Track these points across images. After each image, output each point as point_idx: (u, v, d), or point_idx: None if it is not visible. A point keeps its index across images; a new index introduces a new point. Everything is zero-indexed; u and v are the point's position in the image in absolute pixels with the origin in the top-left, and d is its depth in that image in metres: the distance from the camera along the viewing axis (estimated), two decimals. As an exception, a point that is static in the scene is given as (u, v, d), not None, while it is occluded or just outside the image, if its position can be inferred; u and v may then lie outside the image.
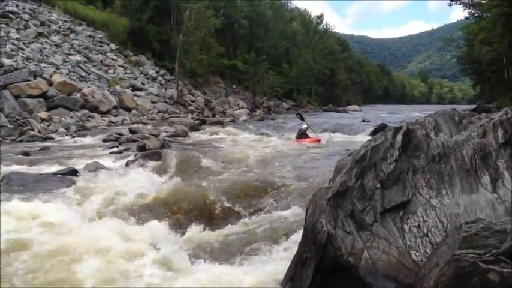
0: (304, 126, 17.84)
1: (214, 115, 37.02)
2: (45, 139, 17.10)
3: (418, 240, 3.67)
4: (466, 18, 58.61)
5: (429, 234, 3.68)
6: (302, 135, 17.46)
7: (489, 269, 2.51)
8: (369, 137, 5.72)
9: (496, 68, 48.63)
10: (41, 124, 20.21)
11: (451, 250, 2.75)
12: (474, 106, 39.47)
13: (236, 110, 43.40)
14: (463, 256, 2.63)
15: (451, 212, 3.78)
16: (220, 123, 28.26)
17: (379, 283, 3.46)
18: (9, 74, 21.99)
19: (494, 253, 2.56)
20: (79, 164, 10.57)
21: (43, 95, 22.89)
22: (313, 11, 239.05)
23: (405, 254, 3.58)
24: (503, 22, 33.50)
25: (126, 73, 35.08)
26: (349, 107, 72.03)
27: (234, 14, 58.23)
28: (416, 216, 3.82)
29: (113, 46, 37.61)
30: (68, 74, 27.08)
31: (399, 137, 4.27)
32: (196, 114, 34.99)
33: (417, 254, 3.56)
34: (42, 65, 26.14)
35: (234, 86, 56.11)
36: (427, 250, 3.54)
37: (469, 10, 54.39)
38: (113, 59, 35.56)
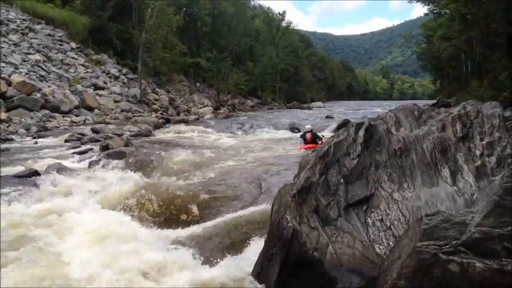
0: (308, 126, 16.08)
1: (178, 113, 36.74)
2: (5, 140, 16.64)
3: (381, 233, 3.73)
4: (426, 14, 59.78)
5: (392, 227, 3.75)
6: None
7: (449, 260, 2.58)
8: (333, 133, 5.78)
9: (455, 64, 49.73)
10: (0, 125, 19.69)
11: (413, 242, 2.80)
12: (434, 101, 40.29)
13: (201, 108, 43.18)
14: (424, 248, 2.68)
15: (413, 205, 3.86)
16: (185, 122, 28.09)
17: (344, 277, 3.50)
18: (-34, 74, 21.37)
19: (454, 244, 2.62)
20: (41, 166, 10.34)
21: (2, 96, 22.29)
22: (277, 9, 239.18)
23: (369, 247, 3.64)
24: (460, 18, 34.24)
25: (87, 72, 34.42)
26: (313, 103, 72.61)
27: (196, 12, 57.88)
28: (379, 210, 3.89)
29: (73, 45, 36.84)
30: (27, 74, 26.43)
31: (361, 133, 4.34)
32: (161, 113, 34.66)
33: (381, 247, 3.63)
34: (1, 64, 25.43)
35: (198, 84, 55.80)
36: (390, 243, 3.61)
37: (428, 7, 55.47)
38: (73, 58, 34.82)
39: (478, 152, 4.08)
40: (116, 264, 4.74)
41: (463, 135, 4.22)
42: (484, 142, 4.11)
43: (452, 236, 2.68)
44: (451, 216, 2.85)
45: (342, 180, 4.07)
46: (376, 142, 4.35)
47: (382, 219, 3.82)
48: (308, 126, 16.09)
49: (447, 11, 41.85)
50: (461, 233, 2.68)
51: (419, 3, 54.29)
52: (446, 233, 2.71)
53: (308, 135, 15.12)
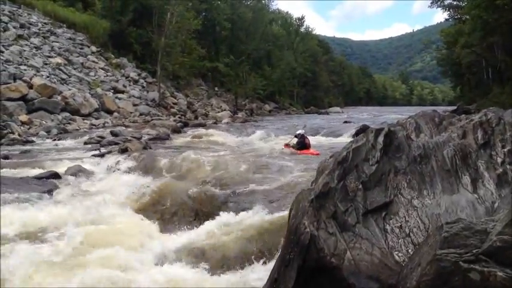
0: (299, 131, 15.11)
1: (196, 117, 36.93)
2: (26, 142, 16.90)
3: (400, 240, 3.69)
4: (446, 20, 59.50)
5: (411, 234, 3.71)
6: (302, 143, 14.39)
7: (470, 269, 2.54)
8: (351, 139, 5.75)
9: (476, 70, 49.30)
10: (21, 127, 19.97)
11: (433, 250, 2.77)
12: (454, 107, 39.91)
13: (218, 112, 43.35)
14: (444, 256, 2.65)
15: (432, 212, 3.81)
16: (203, 126, 28.21)
17: (362, 283, 3.47)
18: (-12, 76, 21.75)
19: (475, 253, 2.58)
20: (61, 167, 10.46)
21: (23, 98, 22.65)
22: (297, 13, 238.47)
23: (388, 254, 3.60)
24: (482, 25, 33.97)
25: (107, 75, 34.80)
26: (331, 109, 72.51)
27: (215, 16, 58.19)
28: (398, 216, 3.85)
29: (93, 48, 37.30)
30: (48, 77, 26.80)
31: (380, 139, 4.30)
32: (179, 117, 34.88)
33: (399, 254, 3.59)
34: (22, 67, 25.83)
35: (216, 89, 56.04)
36: (409, 250, 3.57)
37: (448, 12, 55.18)
38: (94, 62, 35.24)
39: (499, 160, 4.02)
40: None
41: (484, 142, 4.16)
42: (505, 149, 4.05)
43: (473, 244, 2.64)
44: (472, 224, 2.81)
45: (360, 186, 4.04)
46: (395, 148, 4.31)
47: (401, 226, 3.77)
48: (301, 131, 15.27)
49: (467, 16, 41.54)
50: (482, 242, 2.63)
51: (439, 8, 53.99)
52: (467, 241, 2.67)
53: (307, 140, 14.68)
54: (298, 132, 15.22)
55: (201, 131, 23.80)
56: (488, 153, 4.10)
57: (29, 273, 4.51)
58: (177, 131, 23.41)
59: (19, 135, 18.22)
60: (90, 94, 28.79)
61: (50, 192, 8.02)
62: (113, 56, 39.12)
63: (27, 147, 15.65)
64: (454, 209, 3.79)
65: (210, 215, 6.70)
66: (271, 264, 4.55)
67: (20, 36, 30.31)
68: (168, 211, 6.81)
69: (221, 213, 6.72)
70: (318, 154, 13.38)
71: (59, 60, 30.90)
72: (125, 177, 9.67)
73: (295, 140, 14.77)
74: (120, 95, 32.89)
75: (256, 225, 5.90)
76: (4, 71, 23.32)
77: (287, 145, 14.83)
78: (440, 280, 2.63)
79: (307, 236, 3.79)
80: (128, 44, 40.80)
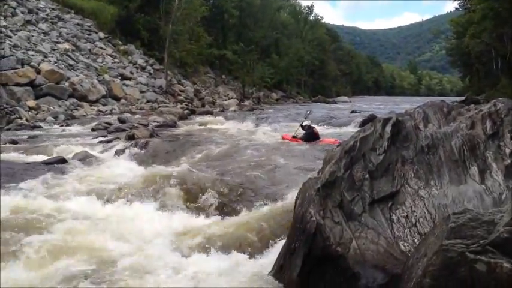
0: (306, 122, 14.29)
1: (203, 105, 36.95)
2: (33, 128, 16.97)
3: (406, 230, 3.69)
4: (456, 9, 59.16)
5: (417, 224, 3.70)
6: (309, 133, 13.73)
7: (477, 259, 2.53)
8: (358, 128, 5.73)
9: (485, 60, 48.92)
10: (29, 112, 20.04)
11: (439, 240, 2.76)
12: (463, 98, 39.64)
13: (225, 100, 43.32)
14: (451, 246, 2.64)
15: (439, 202, 3.80)
16: (210, 113, 28.20)
17: (367, 273, 3.48)
18: (-4, 61, 21.79)
19: (482, 243, 2.57)
20: (68, 153, 10.51)
21: (31, 83, 22.69)
22: (306, 2, 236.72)
23: (393, 244, 3.60)
24: (493, 16, 33.66)
25: (114, 62, 34.77)
26: (338, 98, 72.31)
27: (223, 4, 57.96)
28: (404, 206, 3.84)
29: (101, 35, 37.22)
30: (56, 63, 26.80)
31: (388, 128, 4.28)
32: (186, 104, 34.89)
33: (405, 244, 3.58)
34: (30, 53, 25.83)
35: (223, 76, 55.97)
36: (415, 240, 3.56)
37: (459, 2, 54.82)
38: (101, 48, 35.21)
39: (507, 151, 3.99)
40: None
41: (493, 133, 4.13)
42: (514, 140, 4.02)
43: (480, 235, 2.63)
44: (479, 215, 2.80)
45: (367, 176, 4.03)
46: (403, 138, 4.29)
47: (407, 216, 3.77)
48: (308, 122, 14.49)
49: (478, 6, 41.17)
50: (489, 233, 2.62)
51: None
52: (473, 232, 2.66)
53: (316, 130, 14.09)
54: (304, 123, 14.82)
55: (208, 118, 23.80)
56: (497, 144, 4.07)
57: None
58: (184, 118, 23.43)
59: (27, 120, 18.30)
60: (98, 80, 28.80)
61: (55, 177, 8.04)
62: (120, 42, 39.08)
63: (35, 132, 15.72)
64: (461, 200, 3.77)
65: (213, 202, 6.70)
66: (277, 252, 4.55)
67: (28, 22, 30.28)
68: (171, 198, 6.82)
69: (225, 200, 6.73)
70: (338, 142, 12.81)
71: (66, 46, 30.88)
72: (131, 163, 9.70)
73: (301, 131, 14.45)
74: (127, 82, 32.90)
75: (262, 213, 5.91)
76: (12, 56, 23.32)
77: (293, 137, 14.38)
78: (446, 270, 2.63)
79: (313, 225, 3.79)
80: (135, 31, 40.73)
